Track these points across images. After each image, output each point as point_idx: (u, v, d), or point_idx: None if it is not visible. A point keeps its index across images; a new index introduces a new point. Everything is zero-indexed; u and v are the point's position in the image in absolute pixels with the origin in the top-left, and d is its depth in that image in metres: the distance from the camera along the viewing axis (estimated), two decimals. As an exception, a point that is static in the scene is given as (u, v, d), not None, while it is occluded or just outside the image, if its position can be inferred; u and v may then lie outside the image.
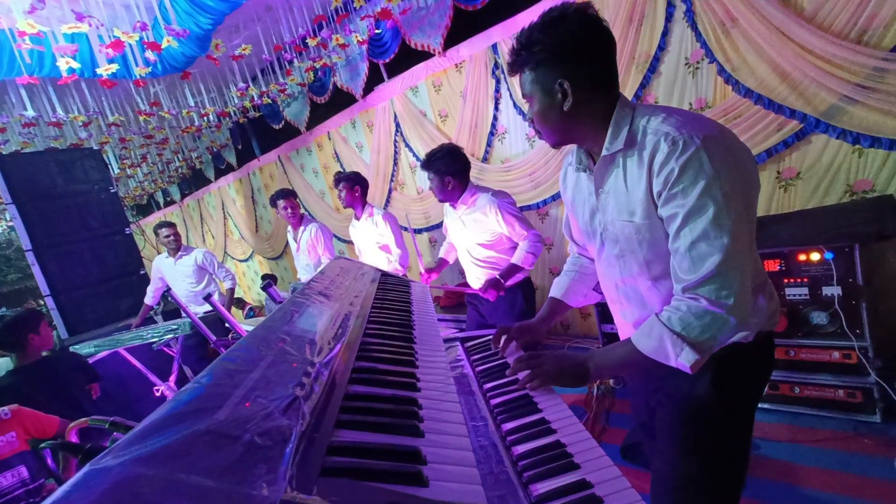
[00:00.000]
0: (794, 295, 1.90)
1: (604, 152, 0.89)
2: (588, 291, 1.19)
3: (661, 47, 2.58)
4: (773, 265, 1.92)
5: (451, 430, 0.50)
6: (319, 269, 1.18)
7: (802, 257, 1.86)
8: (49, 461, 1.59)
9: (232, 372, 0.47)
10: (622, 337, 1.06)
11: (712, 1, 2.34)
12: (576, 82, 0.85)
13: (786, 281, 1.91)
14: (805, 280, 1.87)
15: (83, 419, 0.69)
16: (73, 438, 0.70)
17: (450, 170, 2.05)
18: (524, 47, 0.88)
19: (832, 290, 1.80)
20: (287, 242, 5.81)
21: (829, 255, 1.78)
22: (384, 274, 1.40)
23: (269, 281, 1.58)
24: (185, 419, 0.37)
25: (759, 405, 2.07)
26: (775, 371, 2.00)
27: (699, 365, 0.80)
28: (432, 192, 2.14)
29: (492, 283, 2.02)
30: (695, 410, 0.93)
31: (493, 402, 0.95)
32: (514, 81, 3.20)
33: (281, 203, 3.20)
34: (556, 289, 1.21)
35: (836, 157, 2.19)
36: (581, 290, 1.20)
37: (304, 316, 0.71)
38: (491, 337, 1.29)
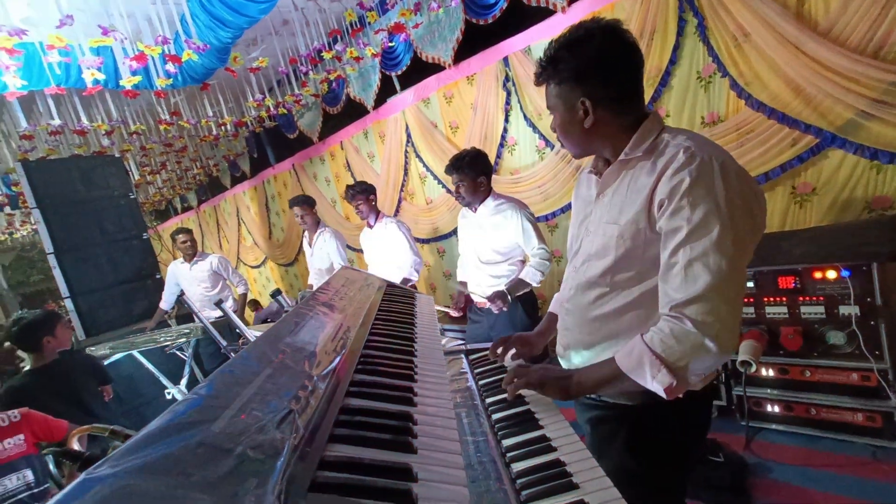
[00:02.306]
0: (810, 314, 1.85)
1: (621, 156, 0.89)
2: None
3: (673, 61, 2.57)
4: (787, 282, 1.88)
5: (445, 446, 0.50)
6: (325, 280, 1.19)
7: (818, 275, 1.81)
8: (51, 466, 1.62)
9: (230, 384, 0.48)
10: (560, 349, 1.07)
11: (724, 15, 2.34)
12: (597, 102, 0.86)
13: (800, 299, 1.87)
14: (821, 298, 1.82)
15: (85, 427, 0.71)
16: (76, 445, 0.72)
17: (483, 170, 2.09)
18: (549, 62, 0.89)
19: (849, 310, 1.75)
20: (299, 249, 5.90)
21: (845, 273, 1.73)
22: (390, 285, 1.41)
23: (277, 289, 1.66)
24: (182, 430, 0.38)
25: (773, 427, 2.02)
26: (790, 391, 1.95)
27: (675, 391, 0.77)
28: (458, 194, 2.15)
29: (499, 295, 2.03)
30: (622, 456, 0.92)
31: (495, 416, 0.95)
32: (525, 95, 3.22)
33: (296, 210, 3.26)
34: (555, 305, 1.21)
35: (853, 172, 2.14)
36: None
37: (306, 327, 0.72)
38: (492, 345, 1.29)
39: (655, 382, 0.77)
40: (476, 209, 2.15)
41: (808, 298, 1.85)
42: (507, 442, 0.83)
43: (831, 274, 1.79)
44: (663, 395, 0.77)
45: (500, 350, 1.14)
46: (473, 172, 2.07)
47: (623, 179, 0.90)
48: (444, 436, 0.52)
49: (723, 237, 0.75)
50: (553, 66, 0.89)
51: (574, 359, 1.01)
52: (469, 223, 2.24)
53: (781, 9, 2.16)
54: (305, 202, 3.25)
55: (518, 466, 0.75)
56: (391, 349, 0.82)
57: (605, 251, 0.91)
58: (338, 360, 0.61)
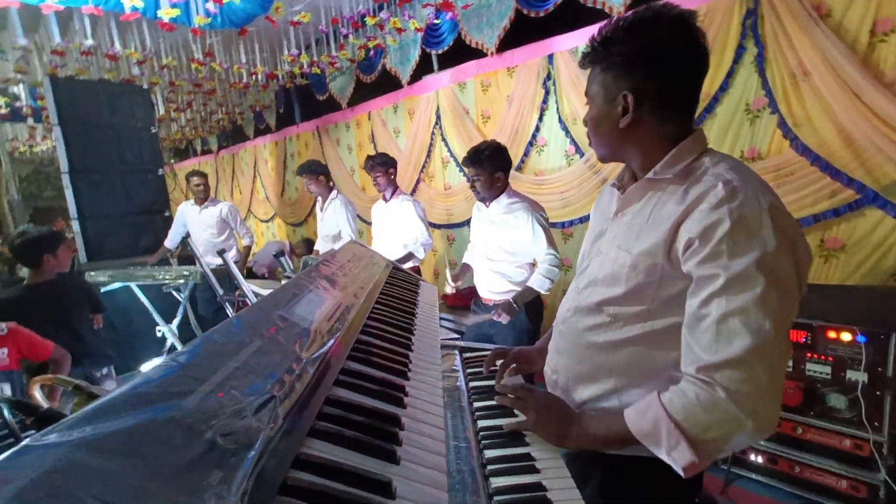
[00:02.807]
0: (815, 372, 1.80)
1: (650, 174, 0.78)
2: None
3: (723, 88, 2.47)
4: (798, 336, 1.82)
5: (430, 461, 0.47)
6: (331, 250, 1.16)
7: (832, 335, 1.75)
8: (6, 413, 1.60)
9: (213, 354, 0.44)
10: (548, 371, 0.97)
11: (787, 49, 2.22)
12: (642, 99, 0.75)
13: (808, 355, 1.81)
14: (830, 359, 1.76)
15: (49, 376, 0.68)
16: (37, 394, 0.69)
17: (501, 165, 2.03)
18: (602, 43, 0.77)
19: (857, 376, 1.69)
20: (310, 210, 5.87)
21: (861, 339, 1.67)
22: (396, 267, 1.37)
23: (281, 250, 1.63)
24: (150, 401, 0.34)
25: (753, 476, 1.98)
26: (778, 445, 1.90)
27: (695, 469, 0.65)
28: (473, 188, 2.09)
29: (505, 308, 2.00)
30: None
31: (481, 423, 0.91)
32: (564, 96, 3.12)
33: (304, 179, 3.21)
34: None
35: (888, 236, 2.06)
36: None
37: (304, 301, 0.68)
38: (489, 354, 1.25)
39: (673, 455, 0.65)
40: (489, 205, 2.10)
41: (816, 356, 1.80)
42: (489, 453, 0.80)
43: (846, 336, 1.72)
44: (680, 472, 0.66)
45: (498, 363, 1.05)
46: (492, 167, 2.00)
47: (648, 201, 0.78)
48: (430, 448, 0.49)
49: (768, 293, 0.63)
50: (604, 48, 0.76)
51: (561, 384, 0.91)
52: (482, 217, 2.19)
53: (848, 51, 2.05)
54: (310, 171, 3.18)
55: (497, 482, 0.72)
56: (388, 339, 0.79)
57: (613, 280, 0.80)
58: (331, 342, 0.58)
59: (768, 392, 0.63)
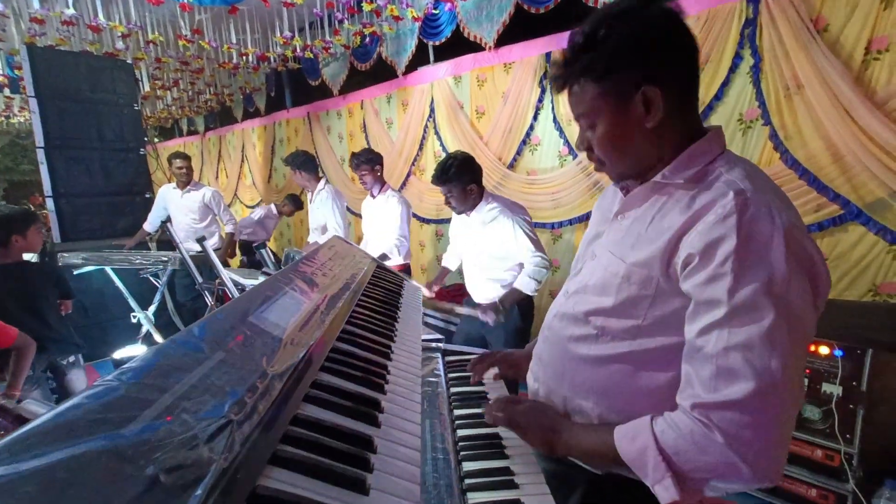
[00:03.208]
0: (792, 384, 1.82)
1: (657, 177, 0.69)
2: None
3: (718, 97, 2.47)
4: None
5: (402, 489, 0.44)
6: (315, 248, 1.11)
7: (811, 348, 1.77)
8: None
9: (166, 369, 0.40)
10: (530, 378, 0.91)
11: (783, 61, 2.23)
12: (668, 87, 0.64)
13: (786, 367, 1.83)
14: (807, 371, 1.78)
15: None
16: None
17: (471, 178, 1.99)
18: (586, 45, 0.66)
19: (833, 389, 1.71)
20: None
21: (838, 353, 1.69)
22: (380, 266, 1.33)
23: (262, 242, 1.57)
24: (84, 430, 0.30)
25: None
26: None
27: (673, 501, 0.60)
28: (449, 204, 2.05)
29: (492, 308, 1.98)
30: None
31: (460, 432, 0.89)
32: (560, 96, 3.08)
33: (292, 171, 3.13)
34: None
35: (868, 252, 2.09)
36: None
37: (278, 305, 0.64)
38: (474, 357, 1.22)
39: (656, 488, 0.60)
40: (470, 214, 2.07)
41: (794, 368, 1.82)
42: (467, 466, 0.77)
43: (824, 350, 1.75)
44: (661, 502, 0.60)
45: (482, 366, 1.03)
46: (461, 182, 1.97)
47: (651, 206, 0.71)
48: (403, 474, 0.46)
49: (776, 327, 0.55)
50: (595, 49, 0.65)
51: (541, 395, 0.86)
52: (462, 225, 2.16)
53: (843, 67, 2.06)
54: (294, 163, 3.09)
55: (474, 498, 0.69)
56: (367, 347, 0.75)
57: (603, 289, 0.73)
58: (303, 353, 0.54)
59: (773, 440, 0.56)
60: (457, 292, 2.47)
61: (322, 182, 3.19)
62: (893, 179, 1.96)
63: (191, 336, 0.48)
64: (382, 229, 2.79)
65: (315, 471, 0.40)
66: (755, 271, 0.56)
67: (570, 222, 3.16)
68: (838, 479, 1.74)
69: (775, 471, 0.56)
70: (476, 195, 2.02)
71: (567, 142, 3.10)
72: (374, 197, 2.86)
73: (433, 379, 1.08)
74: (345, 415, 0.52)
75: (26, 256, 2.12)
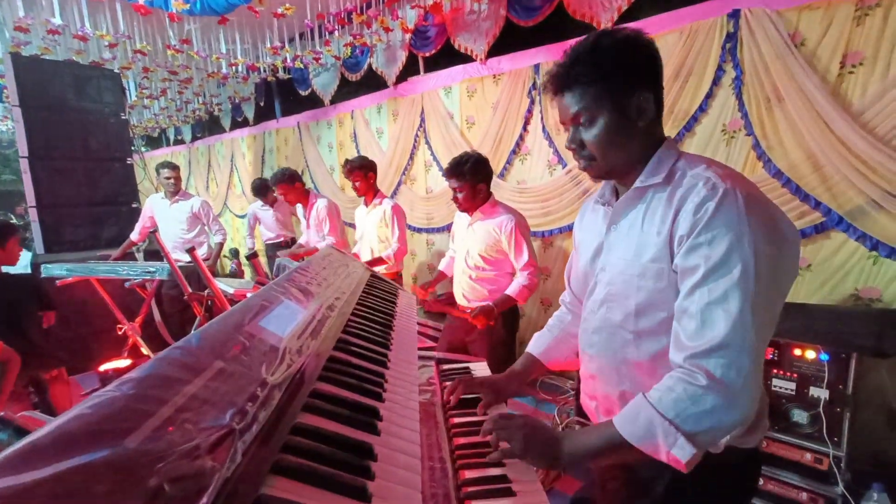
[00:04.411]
0: (780, 388, 1.85)
1: (637, 184, 0.80)
2: (570, 354, 1.03)
3: (702, 108, 2.53)
4: (766, 352, 1.87)
5: (403, 496, 0.43)
6: (307, 260, 1.11)
7: (797, 352, 1.81)
8: None
9: (165, 379, 0.40)
10: (586, 400, 0.95)
11: (763, 74, 2.31)
12: (654, 96, 0.78)
13: (774, 371, 1.86)
14: (794, 375, 1.82)
15: None
16: None
17: (483, 177, 2.01)
18: (592, 53, 0.77)
19: (820, 393, 1.75)
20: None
21: (824, 357, 1.73)
22: (373, 275, 1.33)
23: (254, 252, 1.56)
24: (86, 441, 0.30)
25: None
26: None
27: (695, 462, 0.66)
28: (456, 199, 2.06)
29: (483, 312, 1.98)
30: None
31: (457, 441, 0.88)
32: (549, 107, 3.14)
33: (277, 190, 3.13)
34: (535, 345, 1.08)
35: (850, 258, 2.15)
36: (563, 352, 1.06)
37: (274, 315, 0.63)
38: (468, 366, 1.23)
39: (673, 453, 0.65)
40: (472, 214, 2.09)
41: (781, 372, 1.85)
42: (465, 473, 0.77)
43: (810, 354, 1.78)
44: (682, 468, 0.65)
45: (460, 391, 0.98)
46: (474, 179, 1.99)
47: (639, 211, 0.80)
48: (404, 481, 0.46)
49: (744, 278, 0.65)
50: (599, 57, 0.76)
51: (603, 410, 0.89)
52: (463, 225, 2.17)
53: (820, 81, 2.14)
54: (285, 180, 3.10)
55: (472, 506, 0.69)
56: (363, 356, 0.75)
57: (625, 292, 0.81)
58: (301, 362, 0.54)
59: (751, 375, 0.65)
60: (447, 302, 2.48)
61: (313, 195, 3.21)
62: (870, 187, 2.03)
63: (189, 345, 0.48)
64: (377, 238, 2.79)
65: (317, 479, 0.40)
66: (724, 234, 0.68)
67: (560, 230, 3.19)
68: (827, 482, 1.76)
69: (752, 404, 0.66)
70: (484, 195, 2.04)
71: (556, 151, 3.15)
72: (366, 205, 2.86)
73: (428, 387, 1.08)
74: (344, 423, 0.52)
75: (5, 269, 2.07)
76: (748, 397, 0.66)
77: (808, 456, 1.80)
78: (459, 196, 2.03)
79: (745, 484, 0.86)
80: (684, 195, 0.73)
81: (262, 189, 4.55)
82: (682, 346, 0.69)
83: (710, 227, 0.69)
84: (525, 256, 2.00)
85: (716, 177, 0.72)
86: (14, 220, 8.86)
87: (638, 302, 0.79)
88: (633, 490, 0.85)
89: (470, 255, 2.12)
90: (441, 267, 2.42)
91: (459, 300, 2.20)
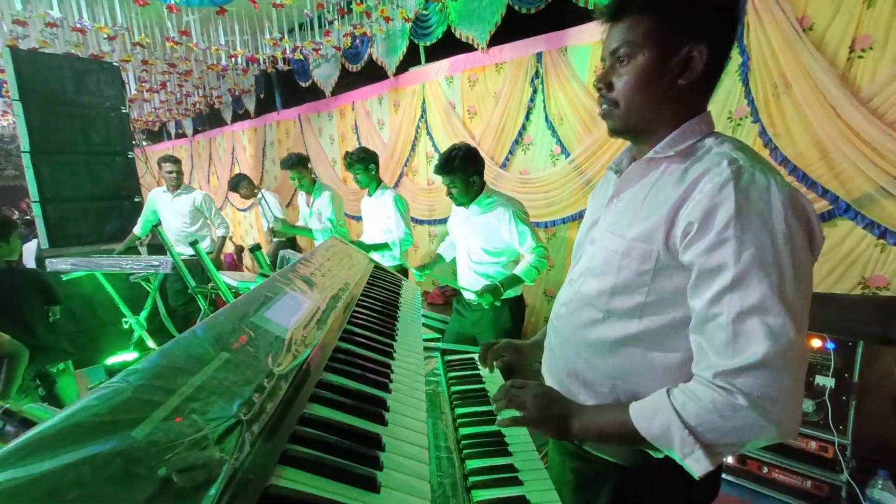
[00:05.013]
0: (785, 376, 1.85)
1: (650, 153, 0.71)
2: None
3: (708, 95, 2.50)
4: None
5: (412, 487, 0.43)
6: (310, 251, 1.11)
7: (802, 341, 1.80)
8: None
9: (172, 370, 0.39)
10: (544, 372, 0.91)
11: (770, 60, 2.26)
12: (711, 56, 0.65)
13: (779, 360, 1.86)
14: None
15: None
16: None
17: (474, 168, 1.98)
18: None
19: (826, 381, 1.74)
20: (289, 201, 5.72)
21: (830, 346, 1.72)
22: (377, 266, 1.32)
23: (258, 244, 1.58)
24: (93, 433, 0.29)
25: (722, 476, 2.04)
26: (747, 447, 1.95)
27: (707, 471, 0.61)
28: (450, 195, 2.03)
29: (490, 290, 1.94)
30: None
31: (462, 431, 0.89)
32: (551, 95, 3.10)
33: (289, 173, 3.12)
34: None
35: (857, 246, 2.13)
36: None
37: (280, 305, 0.63)
38: (473, 356, 1.23)
39: (688, 462, 0.60)
40: (469, 207, 2.06)
41: (787, 361, 1.85)
42: (471, 464, 0.77)
43: (816, 342, 1.78)
44: (695, 475, 0.61)
45: (491, 356, 1.03)
46: (465, 173, 1.95)
47: (645, 183, 0.72)
48: (412, 471, 0.45)
49: (784, 285, 0.57)
50: None
51: (556, 385, 0.86)
52: (461, 218, 2.15)
53: (829, 66, 2.10)
54: (294, 165, 3.09)
55: (479, 496, 0.69)
56: (369, 346, 0.74)
57: (604, 269, 0.74)
58: (308, 353, 0.54)
59: (793, 396, 0.58)
60: (452, 292, 2.47)
61: (318, 184, 3.21)
62: (879, 174, 2.00)
63: (193, 337, 0.48)
64: (382, 229, 2.79)
65: (325, 469, 0.40)
66: (757, 233, 0.58)
67: (564, 221, 3.17)
68: (832, 470, 1.77)
69: (797, 423, 0.59)
70: (478, 187, 2.02)
71: (560, 141, 3.12)
72: (370, 196, 2.85)
73: (433, 378, 1.08)
74: (352, 414, 0.52)
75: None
76: (792, 416, 0.58)
77: (814, 444, 1.80)
78: (454, 191, 1.99)
79: (709, 485, 0.80)
80: (702, 173, 0.63)
81: (237, 185, 4.57)
82: (709, 361, 0.61)
83: (740, 221, 0.58)
84: (529, 240, 1.97)
85: (745, 159, 0.62)
86: (17, 216, 8.89)
87: (617, 281, 0.72)
88: (591, 482, 0.81)
89: (472, 249, 2.11)
90: (440, 251, 2.40)
91: (465, 294, 2.19)
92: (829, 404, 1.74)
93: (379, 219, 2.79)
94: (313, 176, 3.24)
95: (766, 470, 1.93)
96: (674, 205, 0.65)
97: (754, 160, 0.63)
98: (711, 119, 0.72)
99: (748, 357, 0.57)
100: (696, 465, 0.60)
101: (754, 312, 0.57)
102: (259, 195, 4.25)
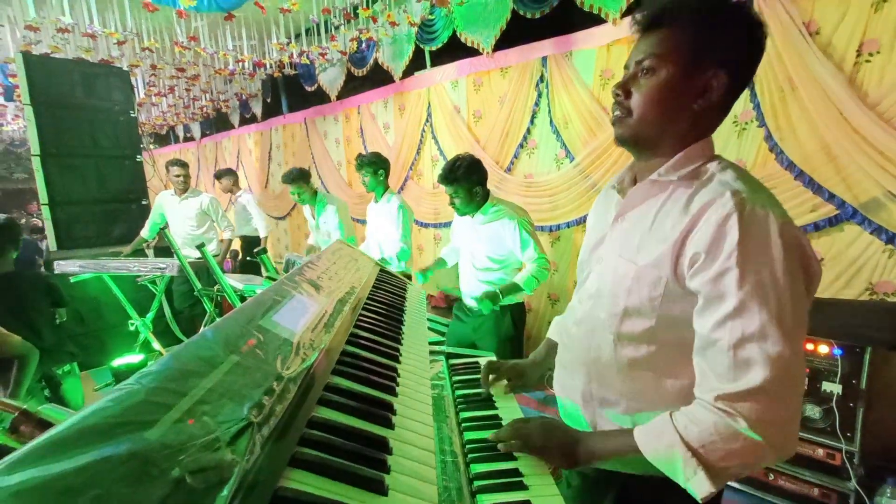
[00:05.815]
0: (792, 382, 1.83)
1: (654, 176, 0.73)
2: None
3: (713, 99, 2.49)
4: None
5: (419, 491, 0.44)
6: (317, 254, 1.11)
7: (810, 346, 1.79)
8: None
9: (182, 373, 0.40)
10: (556, 388, 0.93)
11: (776, 63, 2.26)
12: (730, 85, 0.67)
13: (786, 366, 1.84)
14: (807, 370, 1.80)
15: None
16: None
17: (478, 178, 1.98)
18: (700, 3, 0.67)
19: (833, 387, 1.73)
20: (294, 204, 5.75)
21: (837, 352, 1.71)
22: (383, 270, 1.33)
23: (264, 248, 1.58)
24: (107, 434, 0.30)
25: (728, 483, 2.02)
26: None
27: (711, 494, 0.62)
28: (453, 204, 2.04)
29: (489, 296, 1.95)
30: None
31: (467, 435, 0.89)
32: (556, 99, 3.11)
33: (290, 187, 3.14)
34: (555, 331, 1.07)
35: (864, 251, 2.11)
36: None
37: (287, 308, 0.64)
38: (478, 360, 1.23)
39: (691, 484, 0.62)
40: (473, 215, 2.07)
41: (794, 367, 1.83)
42: (476, 468, 0.77)
43: (823, 349, 1.76)
44: (697, 496, 0.62)
45: (490, 378, 1.03)
46: (469, 183, 1.96)
47: (650, 206, 0.73)
48: (420, 475, 0.46)
49: (783, 313, 0.60)
50: (701, 4, 0.66)
51: (567, 405, 0.88)
52: (465, 226, 2.16)
53: (835, 69, 2.09)
54: (296, 179, 3.11)
55: (484, 500, 0.69)
56: (375, 350, 0.75)
57: (614, 290, 0.76)
58: (315, 356, 0.54)
59: (791, 420, 0.61)
60: (455, 298, 2.47)
61: (321, 195, 3.25)
62: (887, 178, 1.99)
63: (204, 340, 0.48)
64: (385, 234, 2.80)
65: (334, 472, 0.40)
66: (758, 264, 0.61)
67: (568, 224, 3.17)
68: (840, 477, 1.75)
69: (793, 444, 0.62)
70: (481, 197, 2.02)
71: (564, 145, 3.12)
72: (377, 201, 2.87)
73: (438, 382, 1.08)
74: (359, 417, 0.52)
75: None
76: (789, 438, 0.61)
77: (821, 451, 1.78)
78: (457, 201, 1.99)
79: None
80: (707, 203, 0.65)
81: (221, 175, 4.68)
82: (712, 386, 0.63)
83: (741, 252, 0.61)
84: (531, 250, 1.98)
85: (748, 191, 0.64)
86: (25, 219, 8.99)
87: (627, 305, 0.74)
88: (596, 487, 0.83)
89: (476, 256, 2.11)
90: (441, 254, 2.40)
91: (467, 300, 2.19)
92: (836, 411, 1.72)
93: (382, 225, 2.80)
94: (314, 188, 3.25)
95: (772, 477, 1.91)
96: (682, 233, 0.67)
97: (754, 191, 0.66)
98: (713, 143, 0.75)
99: (748, 382, 0.60)
100: (699, 487, 0.62)
101: (754, 339, 0.60)
102: (238, 194, 4.34)
